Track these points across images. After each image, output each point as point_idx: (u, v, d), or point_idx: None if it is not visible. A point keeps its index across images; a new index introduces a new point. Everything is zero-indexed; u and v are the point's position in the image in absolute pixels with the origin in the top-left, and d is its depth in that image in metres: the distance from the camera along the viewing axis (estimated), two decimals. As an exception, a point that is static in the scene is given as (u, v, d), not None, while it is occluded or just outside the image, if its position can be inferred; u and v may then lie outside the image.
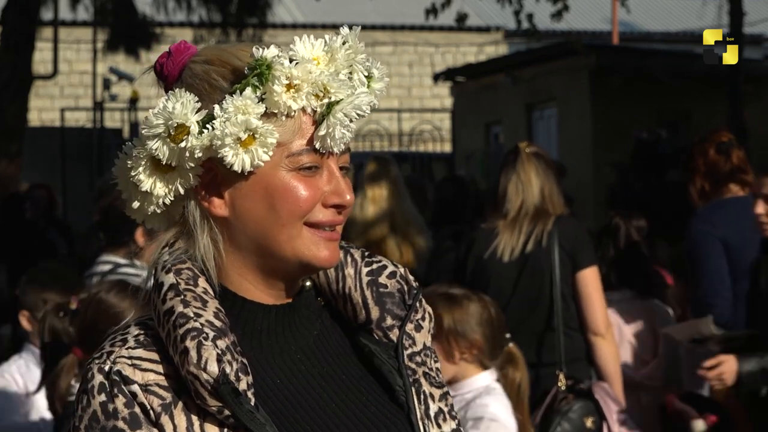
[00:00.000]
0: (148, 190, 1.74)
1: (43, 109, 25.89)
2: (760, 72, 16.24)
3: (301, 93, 1.71)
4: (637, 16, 27.84)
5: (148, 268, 1.78)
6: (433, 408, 1.84)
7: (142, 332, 1.74)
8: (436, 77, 20.69)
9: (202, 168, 1.74)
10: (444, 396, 1.87)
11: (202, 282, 1.74)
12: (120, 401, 1.68)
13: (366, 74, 1.78)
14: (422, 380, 1.85)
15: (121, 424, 1.67)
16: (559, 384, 4.87)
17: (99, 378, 1.69)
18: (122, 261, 4.97)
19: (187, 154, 1.71)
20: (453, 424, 1.86)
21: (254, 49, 1.72)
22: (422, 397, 1.83)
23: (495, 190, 5.34)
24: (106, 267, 5.00)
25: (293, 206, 1.73)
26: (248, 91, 1.70)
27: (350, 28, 1.77)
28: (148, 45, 17.54)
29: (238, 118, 1.69)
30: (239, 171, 1.71)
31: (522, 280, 5.09)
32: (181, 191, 1.75)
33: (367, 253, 1.88)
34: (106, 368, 1.69)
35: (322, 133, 1.72)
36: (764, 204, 4.72)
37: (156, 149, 1.72)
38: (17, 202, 10.47)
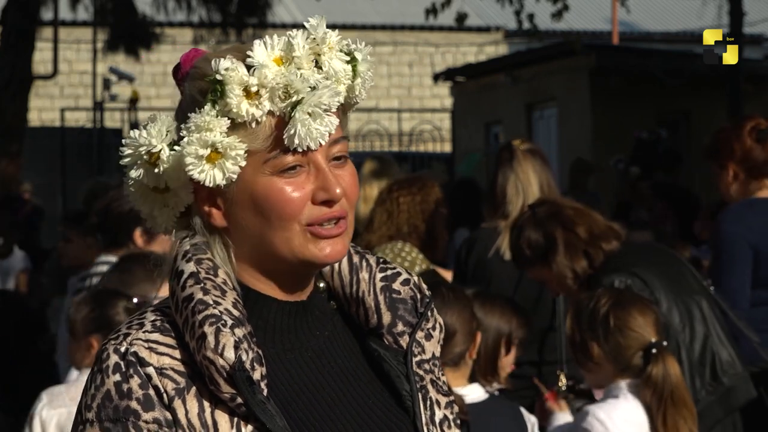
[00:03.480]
0: (151, 215, 1.79)
1: (43, 109, 25.89)
2: (760, 72, 16.23)
3: (262, 99, 1.71)
4: (637, 16, 27.84)
5: (168, 256, 1.80)
6: (439, 414, 1.86)
7: (158, 318, 1.75)
8: (436, 77, 20.68)
9: (193, 184, 1.75)
10: (449, 404, 1.88)
11: (221, 273, 1.76)
12: (135, 382, 1.69)
13: (347, 58, 1.78)
14: (429, 387, 1.86)
15: (134, 404, 1.68)
16: (560, 384, 4.86)
17: (114, 358, 1.71)
18: (122, 262, 4.97)
19: (166, 177, 1.74)
20: None
21: (213, 61, 1.72)
22: (428, 403, 1.85)
23: (493, 190, 5.32)
24: (106, 267, 4.98)
25: (280, 210, 1.74)
26: (207, 107, 1.71)
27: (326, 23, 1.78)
28: (148, 45, 17.52)
29: (201, 136, 1.70)
30: (211, 186, 1.72)
31: (524, 280, 5.06)
32: (181, 208, 1.78)
33: (382, 260, 1.89)
34: (122, 349, 1.71)
35: (291, 133, 1.72)
36: None
37: (140, 176, 1.75)
38: (11, 203, 10.48)
